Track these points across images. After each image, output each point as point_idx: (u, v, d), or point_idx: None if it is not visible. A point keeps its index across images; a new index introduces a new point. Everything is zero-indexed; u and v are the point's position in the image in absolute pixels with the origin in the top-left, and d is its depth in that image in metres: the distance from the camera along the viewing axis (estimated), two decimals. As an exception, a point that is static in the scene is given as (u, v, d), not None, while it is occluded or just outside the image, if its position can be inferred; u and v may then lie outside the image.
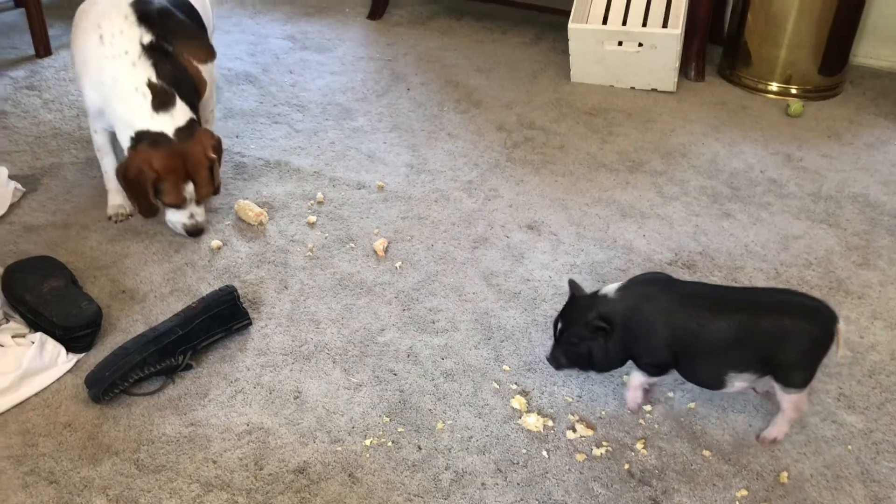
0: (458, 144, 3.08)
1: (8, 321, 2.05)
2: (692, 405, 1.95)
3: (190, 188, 2.32)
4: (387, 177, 2.84)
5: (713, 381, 1.82)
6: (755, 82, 3.62)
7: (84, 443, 1.78)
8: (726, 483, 1.75)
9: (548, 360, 1.92)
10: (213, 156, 2.36)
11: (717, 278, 2.39)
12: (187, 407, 1.89)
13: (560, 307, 1.91)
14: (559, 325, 1.87)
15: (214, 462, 1.75)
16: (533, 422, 1.88)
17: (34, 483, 1.68)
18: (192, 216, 2.39)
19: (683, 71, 3.68)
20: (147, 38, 2.31)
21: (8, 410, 1.85)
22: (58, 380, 1.94)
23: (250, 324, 2.13)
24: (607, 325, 1.77)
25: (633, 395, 1.92)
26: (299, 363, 2.03)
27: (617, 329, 1.78)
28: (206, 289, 2.24)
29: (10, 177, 2.64)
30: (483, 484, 1.73)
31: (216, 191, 2.47)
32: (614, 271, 2.40)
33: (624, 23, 3.54)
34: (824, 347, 1.76)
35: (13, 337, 1.99)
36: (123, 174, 2.28)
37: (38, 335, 1.98)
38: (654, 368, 1.85)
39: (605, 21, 3.57)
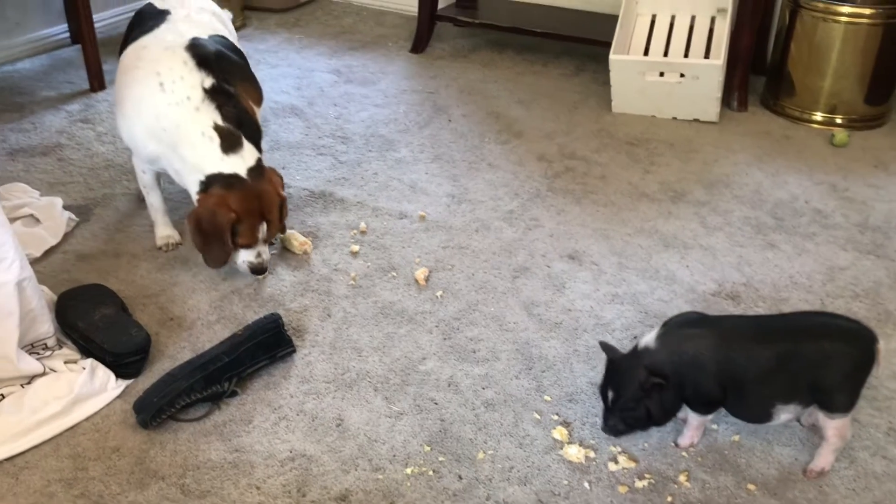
0: (499, 174, 3.11)
1: (61, 347, 2.11)
2: (736, 437, 1.92)
3: (263, 228, 2.30)
4: (428, 207, 2.87)
5: (761, 414, 1.80)
6: (799, 112, 3.59)
7: (132, 467, 1.82)
8: (772, 518, 1.72)
9: (604, 430, 1.83)
10: (284, 194, 2.38)
11: (761, 309, 2.36)
12: (232, 433, 1.92)
13: (602, 342, 1.87)
14: (609, 394, 1.79)
15: (258, 488, 1.77)
16: (574, 453, 1.87)
17: (83, 506, 1.72)
18: (259, 255, 2.35)
19: (726, 101, 3.67)
20: (208, 81, 2.30)
21: (60, 434, 1.90)
22: (107, 405, 1.98)
23: (294, 351, 2.16)
24: (663, 379, 1.72)
25: (693, 434, 1.89)
26: (342, 391, 2.05)
27: (670, 379, 1.74)
28: (251, 316, 2.28)
29: (65, 207, 2.72)
30: (524, 514, 1.72)
31: (283, 229, 2.49)
32: (657, 302, 2.39)
33: (665, 53, 3.55)
34: (866, 369, 1.74)
35: (65, 363, 2.04)
36: (197, 220, 2.23)
37: (90, 361, 2.03)
38: (706, 407, 1.82)
39: (646, 52, 3.59)
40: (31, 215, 2.64)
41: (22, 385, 1.96)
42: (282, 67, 4.14)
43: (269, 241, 2.38)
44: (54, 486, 1.77)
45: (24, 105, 3.53)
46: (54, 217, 2.64)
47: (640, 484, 1.80)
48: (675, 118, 3.60)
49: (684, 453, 1.88)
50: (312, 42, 4.52)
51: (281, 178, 2.43)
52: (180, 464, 1.83)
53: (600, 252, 2.63)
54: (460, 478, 1.81)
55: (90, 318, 2.11)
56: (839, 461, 1.85)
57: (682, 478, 1.81)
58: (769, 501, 1.76)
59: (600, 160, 3.23)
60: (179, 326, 2.26)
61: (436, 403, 2.02)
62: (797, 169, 3.18)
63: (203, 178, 2.24)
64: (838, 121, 3.53)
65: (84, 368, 2.00)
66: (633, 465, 1.85)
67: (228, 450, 1.87)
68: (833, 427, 1.78)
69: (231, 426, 1.94)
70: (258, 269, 2.37)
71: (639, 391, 1.73)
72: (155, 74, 2.28)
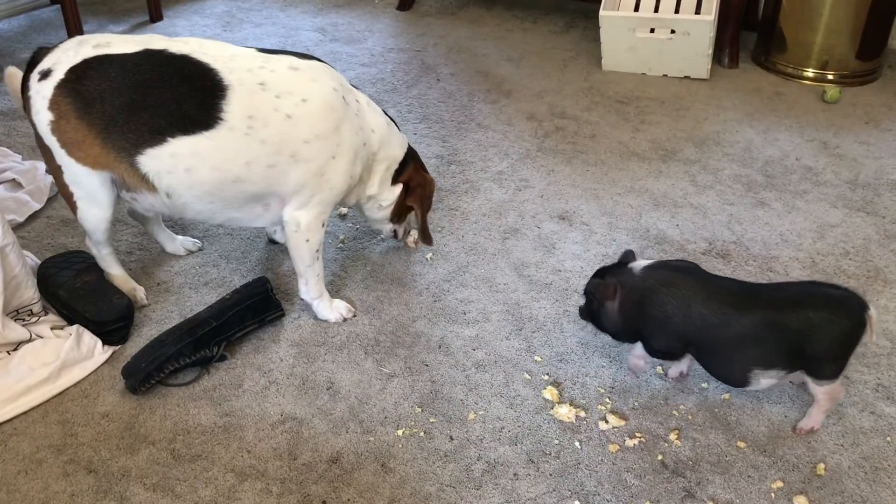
0: (489, 135, 3.08)
1: (47, 313, 2.08)
2: (727, 396, 1.93)
3: None
4: (417, 168, 2.84)
5: (738, 379, 1.81)
6: (790, 68, 3.56)
7: (121, 432, 1.81)
8: (761, 474, 1.73)
9: (579, 308, 1.99)
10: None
11: (751, 268, 2.36)
12: (222, 397, 1.91)
13: (627, 250, 1.94)
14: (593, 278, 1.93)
15: (249, 451, 1.77)
16: (565, 412, 1.87)
17: (74, 472, 1.72)
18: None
19: (717, 58, 3.63)
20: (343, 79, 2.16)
21: (48, 401, 1.89)
22: (95, 371, 1.97)
23: (283, 315, 2.15)
24: (612, 292, 1.84)
25: (634, 363, 1.95)
26: (332, 354, 2.05)
27: (627, 304, 1.82)
28: (239, 280, 2.26)
29: (47, 171, 2.68)
30: (515, 474, 1.73)
31: None
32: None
33: (656, 10, 3.50)
34: (855, 337, 1.73)
35: (52, 329, 2.02)
36: (422, 191, 2.27)
37: (76, 327, 2.01)
38: (659, 354, 1.87)
39: (636, 8, 3.54)
40: (14, 180, 2.60)
41: (8, 352, 1.95)
42: (266, 26, 4.07)
43: None
44: (44, 451, 1.76)
45: (2, 67, 3.45)
46: (37, 181, 2.60)
47: (630, 442, 1.81)
48: (665, 75, 3.56)
49: (675, 411, 1.88)
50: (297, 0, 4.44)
51: None
52: (170, 428, 1.83)
53: (590, 212, 2.61)
54: (451, 438, 1.81)
55: (71, 286, 2.09)
56: (828, 417, 1.86)
57: (672, 436, 1.82)
58: (759, 458, 1.77)
59: (590, 119, 3.20)
60: (167, 291, 2.24)
61: (426, 365, 2.01)
62: (788, 126, 3.16)
63: (397, 166, 2.21)
64: (830, 77, 3.50)
65: (70, 334, 1.98)
66: (623, 423, 1.85)
67: (219, 414, 1.87)
68: (823, 392, 1.78)
69: (221, 390, 1.93)
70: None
71: (599, 287, 1.86)
72: (332, 91, 1.99)
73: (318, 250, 2.11)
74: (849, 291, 1.75)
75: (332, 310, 2.17)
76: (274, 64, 1.96)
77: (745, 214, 2.61)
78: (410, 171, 2.24)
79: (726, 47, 3.65)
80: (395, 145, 2.20)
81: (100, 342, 2.01)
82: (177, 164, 1.90)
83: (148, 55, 1.90)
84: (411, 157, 2.25)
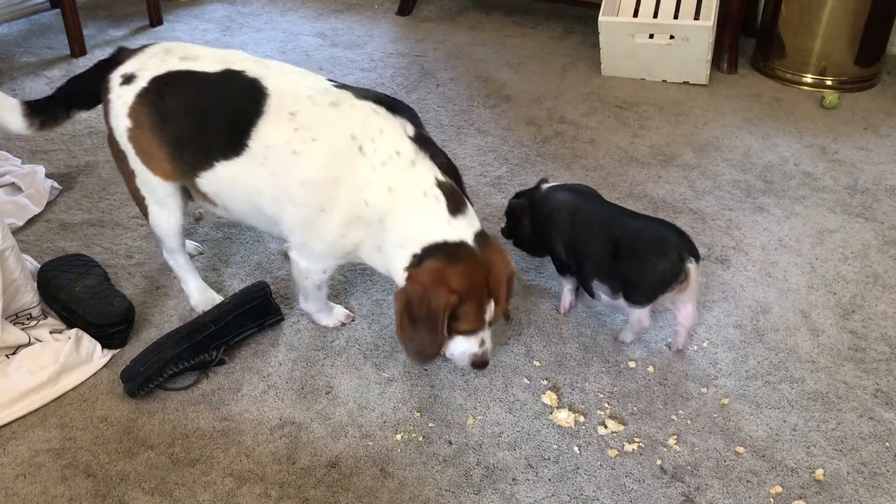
0: (488, 140, 3.08)
1: (46, 317, 2.08)
2: (726, 401, 1.93)
3: (491, 308, 1.80)
4: (417, 172, 2.84)
5: (588, 288, 2.06)
6: (789, 74, 3.57)
7: (120, 437, 1.81)
8: (760, 479, 1.73)
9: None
10: (513, 263, 1.88)
11: (750, 273, 2.36)
12: (221, 402, 1.91)
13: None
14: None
15: (248, 456, 1.77)
16: (564, 417, 1.87)
17: (72, 476, 1.71)
18: (482, 342, 1.83)
19: (716, 63, 3.64)
20: (409, 127, 1.81)
21: (46, 405, 1.88)
22: (94, 375, 1.97)
23: (282, 319, 2.15)
24: (527, 209, 2.16)
25: (563, 297, 2.21)
26: (331, 358, 2.04)
27: (536, 218, 2.15)
28: (238, 285, 2.26)
29: (47, 175, 2.68)
30: (514, 479, 1.73)
31: (508, 313, 2.00)
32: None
33: (655, 15, 3.51)
34: (666, 278, 1.91)
35: (51, 332, 2.02)
36: (406, 302, 1.74)
37: (75, 331, 2.01)
38: (556, 263, 2.17)
39: (635, 14, 3.54)
40: (13, 183, 2.60)
41: (7, 356, 1.95)
42: (266, 31, 4.08)
43: (492, 324, 1.86)
44: (42, 456, 1.76)
45: (2, 71, 3.46)
46: (37, 185, 2.60)
47: (629, 447, 1.80)
48: (664, 81, 3.57)
49: (673, 416, 1.88)
50: (297, 4, 4.45)
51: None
52: (169, 432, 1.82)
53: (589, 216, 2.61)
54: (450, 443, 1.81)
55: (71, 290, 2.09)
56: (826, 422, 1.87)
57: (671, 441, 1.82)
58: (758, 463, 1.77)
59: (590, 124, 3.20)
60: (166, 295, 2.24)
61: (425, 369, 2.01)
62: (787, 131, 3.17)
63: (418, 251, 1.75)
64: (828, 82, 3.51)
65: (70, 338, 1.98)
66: (622, 428, 1.85)
67: (217, 418, 1.86)
68: (633, 313, 2.00)
69: (220, 394, 1.93)
70: (481, 363, 1.85)
71: (510, 209, 2.24)
72: (349, 139, 1.75)
73: (318, 286, 2.01)
74: (681, 240, 1.94)
75: (331, 317, 2.14)
76: (324, 97, 1.81)
77: (744, 220, 2.62)
78: (425, 267, 1.73)
79: (725, 53, 3.65)
80: (419, 223, 1.74)
81: (99, 346, 2.01)
82: (222, 186, 1.88)
83: (226, 76, 1.84)
84: (444, 252, 1.73)
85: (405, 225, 1.75)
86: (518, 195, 2.25)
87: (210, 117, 1.83)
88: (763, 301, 2.26)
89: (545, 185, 2.20)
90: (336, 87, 1.87)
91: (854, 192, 2.77)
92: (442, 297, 1.70)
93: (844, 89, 3.49)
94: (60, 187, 2.68)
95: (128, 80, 1.88)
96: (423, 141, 1.80)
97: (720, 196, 2.74)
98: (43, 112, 2.01)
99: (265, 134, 1.80)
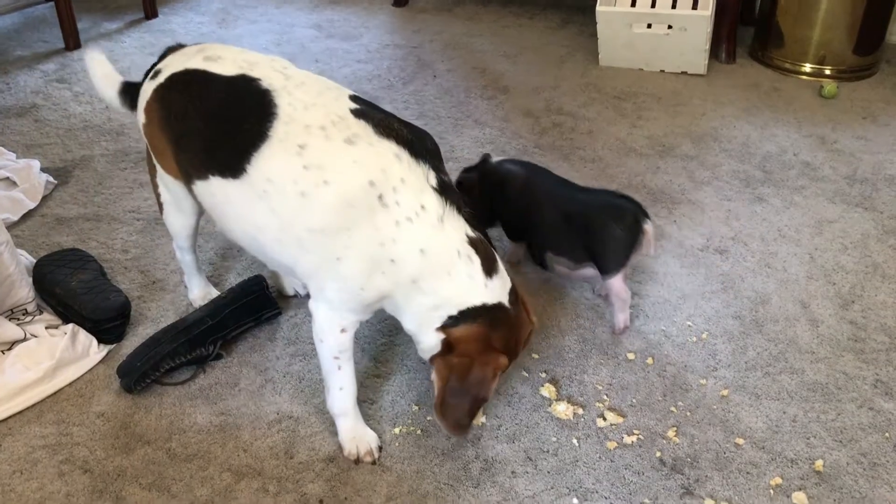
0: (486, 131, 3.06)
1: (41, 312, 2.07)
2: (725, 392, 1.92)
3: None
4: (414, 165, 2.82)
5: (541, 261, 2.17)
6: (788, 63, 3.55)
7: (117, 432, 1.80)
8: (760, 471, 1.73)
9: None
10: (535, 317, 1.81)
11: (749, 263, 2.35)
12: (218, 396, 1.90)
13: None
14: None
15: (245, 450, 1.76)
16: (563, 410, 1.87)
17: (69, 472, 1.71)
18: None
19: (714, 53, 3.62)
20: (432, 175, 1.63)
21: (43, 401, 1.88)
22: (90, 370, 1.96)
23: (280, 313, 2.14)
24: (477, 181, 2.21)
25: (511, 251, 2.34)
26: (328, 352, 2.03)
27: (488, 188, 2.19)
28: (235, 279, 2.25)
29: (42, 169, 2.67)
30: (513, 472, 1.72)
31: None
32: (644, 258, 2.37)
33: (653, 5, 3.49)
34: (629, 242, 2.02)
35: (46, 328, 2.01)
36: (461, 374, 1.62)
37: (70, 326, 2.00)
38: (507, 229, 2.28)
39: (633, 3, 3.53)
40: (8, 178, 2.59)
41: (2, 351, 1.94)
42: (261, 23, 4.06)
43: None
44: (38, 452, 1.75)
45: (-3, 65, 3.44)
46: (32, 180, 2.59)
47: (628, 439, 1.80)
48: (662, 71, 3.55)
49: (673, 408, 1.88)
50: (293, -3, 4.42)
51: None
52: (166, 428, 1.82)
53: (588, 208, 2.60)
54: (449, 436, 1.80)
55: (67, 285, 2.08)
56: (826, 413, 1.86)
57: (670, 433, 1.81)
58: (758, 454, 1.77)
59: (588, 115, 3.19)
60: (162, 290, 2.23)
61: (423, 363, 2.00)
62: (786, 121, 3.15)
63: (455, 313, 1.63)
64: (827, 72, 3.49)
65: (65, 334, 1.97)
66: (621, 420, 1.84)
67: (215, 413, 1.86)
68: (609, 286, 2.06)
69: (217, 389, 1.92)
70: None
71: (459, 182, 2.23)
72: (364, 187, 1.56)
73: (337, 357, 1.73)
74: (633, 205, 2.04)
75: (353, 440, 1.76)
76: (339, 130, 1.61)
77: (743, 210, 2.61)
78: (466, 333, 1.62)
79: (723, 43, 3.64)
80: (457, 287, 1.61)
81: (95, 341, 2.00)
82: (215, 202, 1.73)
83: (238, 82, 1.70)
84: (486, 317, 1.63)
85: (443, 290, 1.62)
86: (466, 170, 2.28)
87: (210, 123, 1.70)
88: (762, 292, 2.25)
89: (493, 159, 2.25)
90: (355, 111, 1.65)
91: (853, 182, 2.76)
92: (491, 364, 1.63)
93: (843, 79, 3.48)
94: (56, 182, 2.67)
95: (154, 75, 1.85)
96: (446, 190, 1.63)
97: (719, 186, 2.73)
98: (134, 93, 1.95)
99: (268, 165, 1.61)
